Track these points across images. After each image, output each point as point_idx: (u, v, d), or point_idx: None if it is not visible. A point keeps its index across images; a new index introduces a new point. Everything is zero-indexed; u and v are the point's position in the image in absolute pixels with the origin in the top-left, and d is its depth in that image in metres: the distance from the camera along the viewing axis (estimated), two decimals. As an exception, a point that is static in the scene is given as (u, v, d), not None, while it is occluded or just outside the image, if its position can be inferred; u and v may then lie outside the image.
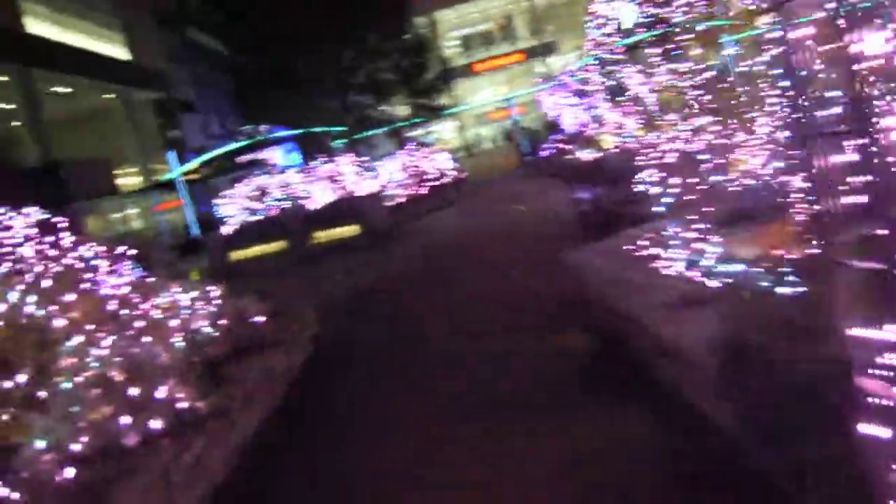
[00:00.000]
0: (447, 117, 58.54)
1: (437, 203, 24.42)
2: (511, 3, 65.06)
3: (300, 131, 29.96)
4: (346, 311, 11.76)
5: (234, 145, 33.92)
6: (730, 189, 7.23)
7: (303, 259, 21.10)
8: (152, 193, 37.81)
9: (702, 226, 7.14)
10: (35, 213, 10.01)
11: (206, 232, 29.92)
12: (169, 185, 35.63)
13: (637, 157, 13.64)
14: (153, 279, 9.25)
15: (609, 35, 20.93)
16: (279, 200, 26.70)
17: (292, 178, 26.83)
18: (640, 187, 12.19)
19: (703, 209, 7.20)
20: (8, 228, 9.40)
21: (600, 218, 12.62)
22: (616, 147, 20.98)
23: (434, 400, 6.93)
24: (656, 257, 7.60)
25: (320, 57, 26.32)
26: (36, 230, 9.51)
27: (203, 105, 59.52)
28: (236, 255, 26.24)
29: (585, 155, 21.92)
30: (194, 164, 34.87)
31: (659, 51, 17.26)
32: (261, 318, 9.27)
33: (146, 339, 7.35)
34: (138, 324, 7.72)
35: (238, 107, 37.26)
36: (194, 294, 8.93)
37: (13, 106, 40.80)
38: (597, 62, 21.75)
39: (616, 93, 21.06)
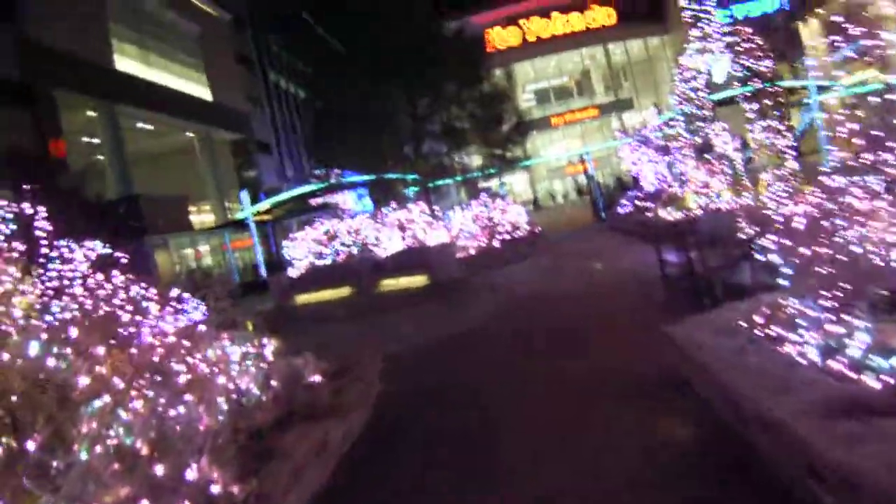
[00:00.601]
0: (521, 169, 57.84)
1: (509, 257, 23.27)
2: (588, 58, 64.43)
3: (372, 177, 29.33)
4: (411, 372, 10.62)
5: (306, 188, 33.56)
6: (877, 261, 5.90)
7: (368, 308, 20.10)
8: (224, 231, 37.52)
9: (842, 304, 5.83)
10: (97, 247, 9.28)
11: (274, 273, 29.28)
12: (241, 224, 35.28)
13: (738, 219, 12.45)
14: (203, 327, 8.25)
15: (697, 89, 19.78)
16: (347, 246, 25.91)
17: (362, 224, 26.03)
18: (746, 252, 11.03)
19: (844, 284, 5.87)
20: (69, 261, 8.67)
21: (692, 284, 11.35)
22: (709, 207, 19.74)
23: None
24: (781, 339, 6.30)
25: (396, 103, 25.61)
26: (90, 265, 8.78)
27: (279, 147, 60.08)
28: (301, 298, 25.46)
29: (668, 214, 20.66)
30: (266, 204, 34.54)
31: (755, 106, 16.14)
32: (317, 378, 8.25)
33: (185, 399, 6.36)
34: (178, 381, 6.75)
35: (312, 150, 36.95)
36: (246, 348, 7.93)
37: (98, 140, 41.50)
38: (682, 117, 20.60)
39: (703, 150, 19.85)
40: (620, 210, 26.84)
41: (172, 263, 32.02)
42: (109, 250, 10.03)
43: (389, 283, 23.52)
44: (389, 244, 25.44)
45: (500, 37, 60.33)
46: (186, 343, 7.68)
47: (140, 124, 44.51)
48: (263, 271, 31.67)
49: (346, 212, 30.85)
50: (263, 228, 38.02)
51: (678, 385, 7.11)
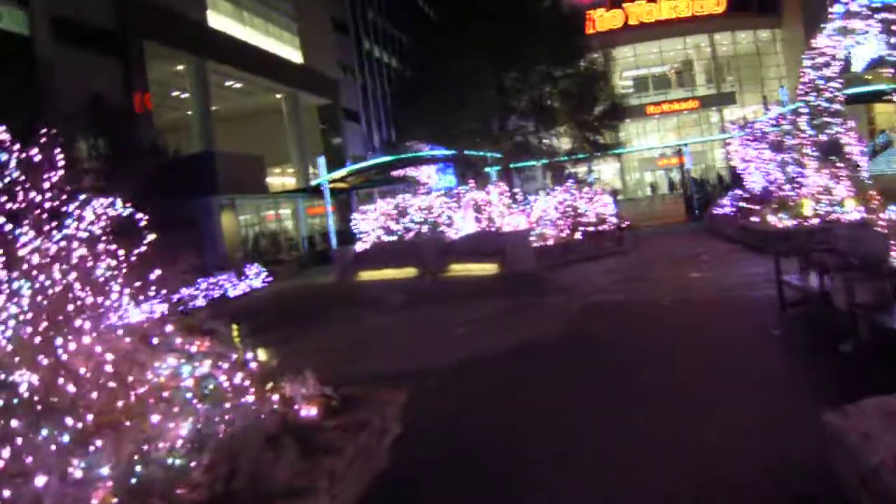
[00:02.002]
0: (611, 157, 54.47)
1: (591, 252, 20.50)
2: (692, 47, 60.27)
3: (453, 152, 26.84)
4: (445, 405, 8.11)
5: (385, 158, 31.28)
6: None
7: (428, 296, 17.68)
8: (298, 197, 35.59)
9: None
10: (116, 205, 7.17)
11: (344, 244, 27.21)
12: (318, 191, 33.25)
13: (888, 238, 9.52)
14: (167, 328, 5.92)
15: (829, 79, 16.56)
16: (417, 223, 23.57)
17: (435, 201, 23.63)
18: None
19: None
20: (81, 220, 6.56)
21: (827, 321, 8.54)
22: (830, 217, 16.57)
23: None
24: None
25: (485, 75, 22.97)
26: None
27: (368, 116, 58.09)
28: (365, 275, 23.38)
29: (778, 220, 17.57)
30: (343, 172, 32.42)
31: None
32: (311, 412, 5.84)
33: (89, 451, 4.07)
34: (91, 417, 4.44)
35: (397, 120, 34.60)
36: (207, 367, 5.54)
37: (185, 95, 40.21)
38: (806, 110, 17.39)
39: (829, 150, 16.65)
40: (718, 210, 23.67)
41: (239, 225, 30.20)
42: (130, 209, 7.84)
43: (457, 269, 21.19)
44: (463, 225, 23.02)
45: (602, 18, 56.76)
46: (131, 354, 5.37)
47: (228, 82, 43.20)
48: (334, 242, 29.56)
49: (426, 186, 28.51)
50: (341, 197, 36.01)
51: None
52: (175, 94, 41.69)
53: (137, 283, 7.22)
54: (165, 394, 5.05)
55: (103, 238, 7.46)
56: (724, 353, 8.66)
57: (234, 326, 7.07)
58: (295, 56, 48.45)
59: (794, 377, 7.41)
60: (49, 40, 27.17)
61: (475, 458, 6.02)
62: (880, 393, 5.56)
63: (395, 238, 24.09)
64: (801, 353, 8.33)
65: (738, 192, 23.35)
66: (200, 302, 22.31)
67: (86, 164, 25.40)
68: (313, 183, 34.78)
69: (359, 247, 24.67)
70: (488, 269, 20.30)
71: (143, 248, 7.81)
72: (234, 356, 5.92)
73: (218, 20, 40.55)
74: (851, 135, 17.39)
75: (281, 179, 50.87)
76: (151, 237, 8.09)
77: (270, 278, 25.87)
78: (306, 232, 35.30)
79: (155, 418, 4.71)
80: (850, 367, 7.37)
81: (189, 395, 5.13)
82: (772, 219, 17.85)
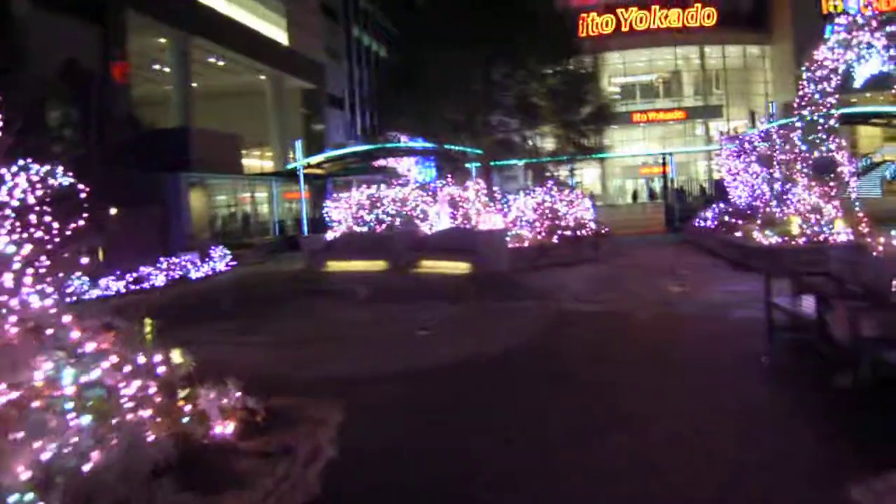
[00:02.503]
0: (593, 162, 53.68)
1: (567, 257, 19.55)
2: (681, 58, 59.61)
3: (433, 146, 25.82)
4: (402, 414, 7.19)
5: (363, 146, 30.22)
6: None
7: (396, 292, 16.71)
8: (273, 180, 34.41)
9: None
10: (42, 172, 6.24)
11: (317, 231, 26.15)
12: (292, 175, 32.11)
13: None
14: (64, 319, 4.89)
15: (827, 94, 15.72)
16: (391, 216, 22.56)
17: (410, 194, 22.64)
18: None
19: None
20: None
21: (823, 352, 7.67)
22: (817, 237, 15.75)
23: None
24: None
25: (471, 67, 21.93)
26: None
27: (352, 104, 56.93)
28: (333, 265, 22.31)
29: (763, 237, 16.75)
30: (319, 157, 31.32)
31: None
32: (228, 430, 4.85)
33: None
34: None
35: (377, 108, 33.38)
36: (113, 368, 4.52)
37: (168, 69, 38.92)
38: (799, 125, 16.55)
39: (820, 168, 15.83)
40: (699, 222, 22.84)
41: (208, 205, 29.00)
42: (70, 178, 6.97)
43: (428, 265, 20.19)
44: (437, 221, 22.04)
45: (594, 22, 55.91)
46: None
47: (212, 59, 41.97)
48: (305, 229, 28.49)
49: (405, 178, 27.51)
50: (317, 183, 34.88)
51: None
52: (157, 67, 40.42)
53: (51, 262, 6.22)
54: (37, 403, 4.04)
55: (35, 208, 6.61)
56: (708, 380, 7.74)
57: (148, 322, 6.02)
58: (281, 37, 47.30)
59: (788, 414, 6.50)
60: (25, 1, 25.91)
61: (417, 490, 5.05)
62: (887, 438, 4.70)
63: (366, 229, 23.05)
64: (792, 386, 7.43)
65: (721, 205, 22.56)
66: (160, 282, 21.23)
67: (60, 132, 24.32)
68: (289, 167, 33.67)
69: (329, 235, 23.61)
70: (460, 267, 19.32)
71: (80, 223, 6.93)
72: (141, 359, 4.90)
73: (205, -6, 39.35)
74: (843, 154, 16.66)
75: (260, 162, 49.72)
76: (86, 212, 7.24)
77: (235, 262, 24.78)
78: (279, 217, 34.11)
79: (15, 434, 3.71)
80: (849, 405, 6.50)
81: (69, 405, 4.12)
82: (756, 235, 17.04)
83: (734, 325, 10.51)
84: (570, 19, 35.67)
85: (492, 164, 26.14)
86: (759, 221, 18.22)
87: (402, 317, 13.12)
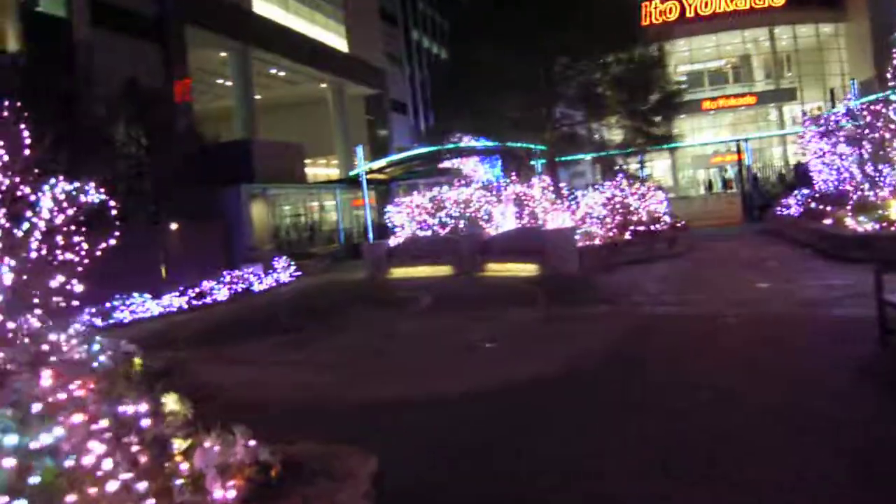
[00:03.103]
0: (662, 154, 51.66)
1: (641, 254, 18.25)
2: (750, 41, 57.04)
3: (496, 144, 24.71)
4: (454, 448, 6.16)
5: (424, 149, 29.30)
6: None
7: (459, 299, 15.73)
8: (337, 188, 33.79)
9: None
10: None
11: (383, 238, 25.34)
12: (355, 182, 31.42)
13: None
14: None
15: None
16: (454, 217, 21.59)
17: (474, 195, 21.63)
18: None
19: None
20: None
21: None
22: None
23: None
24: None
25: (532, 58, 20.77)
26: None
27: (415, 107, 56.16)
28: (397, 272, 21.50)
29: (857, 224, 15.17)
30: (382, 162, 30.54)
31: None
32: (230, 495, 3.86)
33: None
34: None
35: (438, 109, 32.37)
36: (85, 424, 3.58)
37: (228, 83, 38.82)
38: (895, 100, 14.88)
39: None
40: (781, 211, 21.18)
41: (271, 216, 28.50)
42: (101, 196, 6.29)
43: (494, 268, 19.17)
44: (503, 221, 20.98)
45: (658, 10, 53.91)
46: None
47: (272, 70, 41.72)
48: (371, 235, 27.73)
49: (470, 179, 26.48)
50: (381, 189, 34.16)
51: None
52: (220, 81, 40.39)
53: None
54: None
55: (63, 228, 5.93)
56: (814, 402, 6.41)
57: (136, 362, 5.13)
58: (341, 45, 46.82)
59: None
60: (87, 23, 25.90)
61: None
62: None
63: (430, 233, 22.13)
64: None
65: (804, 191, 20.88)
66: (223, 295, 20.72)
67: (124, 150, 24.09)
68: (351, 174, 33.00)
69: (392, 241, 22.77)
70: (528, 269, 18.22)
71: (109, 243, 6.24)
72: (125, 408, 3.97)
73: (262, 6, 39.07)
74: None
75: (326, 171, 49.35)
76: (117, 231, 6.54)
77: (299, 272, 24.14)
78: (344, 224, 33.47)
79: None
80: None
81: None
82: (849, 222, 15.45)
83: (837, 327, 9.15)
84: (632, 6, 34.04)
85: (557, 159, 24.91)
86: (849, 207, 16.56)
87: (463, 327, 12.09)
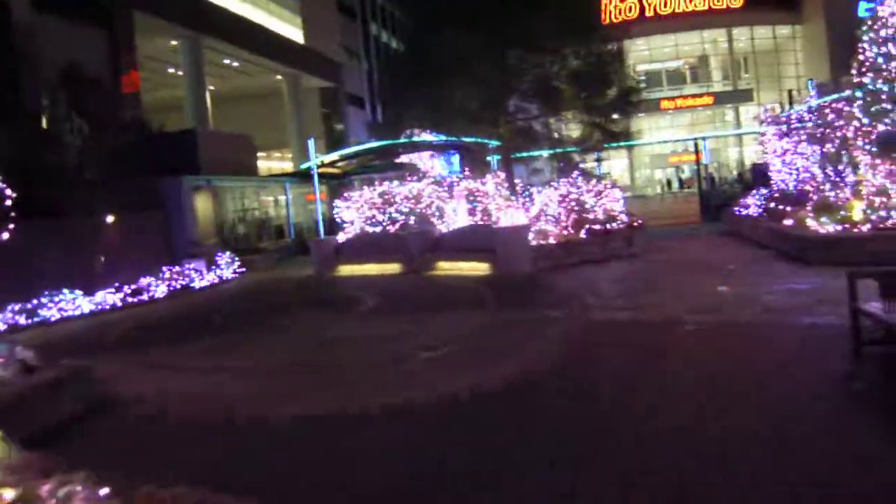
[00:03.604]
0: (620, 152, 51.19)
1: (597, 254, 17.39)
2: (708, 42, 56.81)
3: (451, 139, 23.69)
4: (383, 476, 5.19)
5: (377, 143, 28.18)
6: None
7: (407, 298, 14.76)
8: (287, 182, 32.48)
9: None
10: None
11: (334, 233, 24.20)
12: (308, 176, 30.19)
13: None
14: None
15: (892, 57, 13.33)
16: (404, 214, 20.57)
17: (425, 190, 20.64)
18: None
19: None
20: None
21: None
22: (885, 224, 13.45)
23: None
24: None
25: (488, 47, 19.74)
26: None
27: (373, 102, 54.88)
28: (345, 269, 20.44)
29: (819, 225, 14.46)
30: (334, 156, 29.36)
31: None
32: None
33: None
34: None
35: (388, 101, 31.08)
36: None
37: (179, 73, 37.28)
38: (860, 97, 14.17)
39: (890, 143, 13.48)
40: (740, 211, 20.48)
41: (217, 210, 27.15)
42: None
43: (445, 267, 18.20)
44: (454, 218, 20.00)
45: (618, 8, 53.34)
46: None
47: (226, 60, 40.22)
48: (321, 231, 26.56)
49: (426, 174, 25.42)
50: (333, 184, 32.95)
51: None
52: (171, 70, 38.80)
53: None
54: None
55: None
56: (789, 430, 5.53)
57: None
58: (296, 36, 45.52)
59: None
60: (27, 6, 24.33)
61: None
62: None
63: (379, 229, 21.07)
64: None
65: (763, 191, 20.22)
66: (161, 292, 19.45)
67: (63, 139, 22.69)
68: (302, 167, 31.77)
69: (341, 238, 21.68)
70: (479, 268, 17.26)
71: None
72: None
73: (215, -7, 37.60)
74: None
75: (281, 164, 48.00)
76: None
77: (244, 269, 22.90)
78: (297, 219, 32.18)
79: None
80: None
81: None
82: (811, 223, 14.72)
83: (805, 337, 8.31)
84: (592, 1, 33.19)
85: (514, 156, 23.96)
86: (810, 208, 15.86)
87: (405, 332, 11.07)
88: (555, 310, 11.78)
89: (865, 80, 13.45)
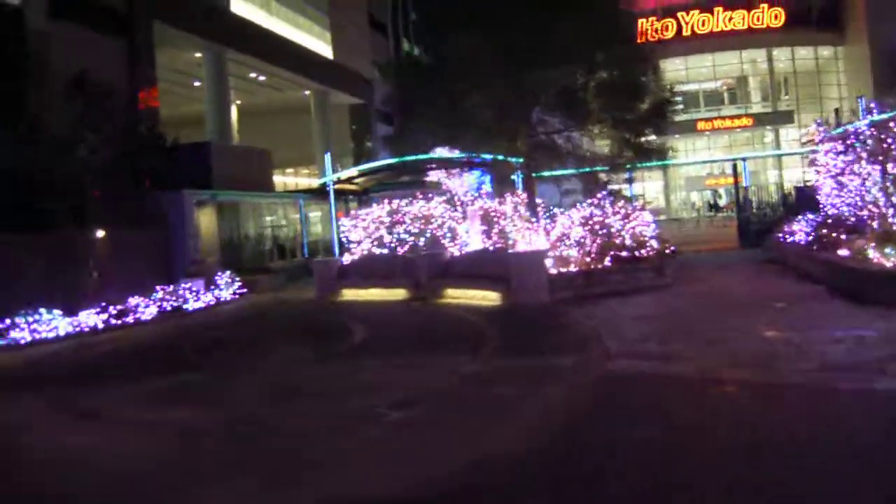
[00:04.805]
0: (655, 173, 48.66)
1: (622, 284, 15.08)
2: (747, 62, 54.14)
3: (469, 155, 21.55)
4: None
5: (394, 160, 26.16)
6: None
7: (401, 332, 12.67)
8: (301, 199, 30.59)
9: None
10: None
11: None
12: (324, 193, 28.27)
13: None
14: None
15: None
16: (412, 235, 18.53)
17: (436, 210, 18.59)
18: None
19: None
20: None
21: None
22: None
23: None
24: None
25: (501, 56, 17.62)
26: None
27: (401, 118, 52.97)
28: (348, 293, 18.44)
29: (881, 256, 12.07)
30: (352, 171, 27.37)
31: None
32: None
33: None
34: None
35: (405, 118, 29.09)
36: None
37: (200, 84, 35.81)
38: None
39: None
40: (784, 237, 17.99)
41: (223, 226, 25.27)
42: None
43: (453, 294, 16.06)
44: (468, 239, 17.89)
45: (654, 27, 50.92)
46: None
47: (253, 74, 38.68)
48: (336, 250, 24.61)
49: (453, 193, 23.35)
50: (351, 200, 31.01)
51: None
52: (197, 84, 37.32)
53: None
54: None
55: None
56: None
57: None
58: (325, 51, 43.87)
59: None
60: (43, 13, 22.96)
61: None
62: None
63: (387, 251, 19.03)
64: None
65: (809, 215, 17.73)
66: (150, 314, 17.64)
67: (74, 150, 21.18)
68: (317, 183, 29.90)
69: (346, 259, 19.68)
70: (490, 298, 15.08)
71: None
72: None
73: (241, 6, 36.09)
74: None
75: (308, 180, 46.37)
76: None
77: (245, 290, 20.99)
78: (310, 238, 30.24)
79: None
80: None
81: None
82: (872, 254, 12.31)
83: (886, 409, 6.02)
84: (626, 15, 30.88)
85: (537, 174, 21.75)
86: (867, 237, 13.41)
87: (384, 380, 9.01)
88: (566, 355, 9.55)
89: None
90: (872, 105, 15.19)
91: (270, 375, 10.15)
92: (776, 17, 51.16)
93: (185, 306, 18.74)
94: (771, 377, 7.56)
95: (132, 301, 17.63)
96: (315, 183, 42.46)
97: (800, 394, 6.89)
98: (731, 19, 51.41)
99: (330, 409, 7.90)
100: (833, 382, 7.13)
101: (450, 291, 16.21)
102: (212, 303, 19.53)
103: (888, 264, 11.73)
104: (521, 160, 19.04)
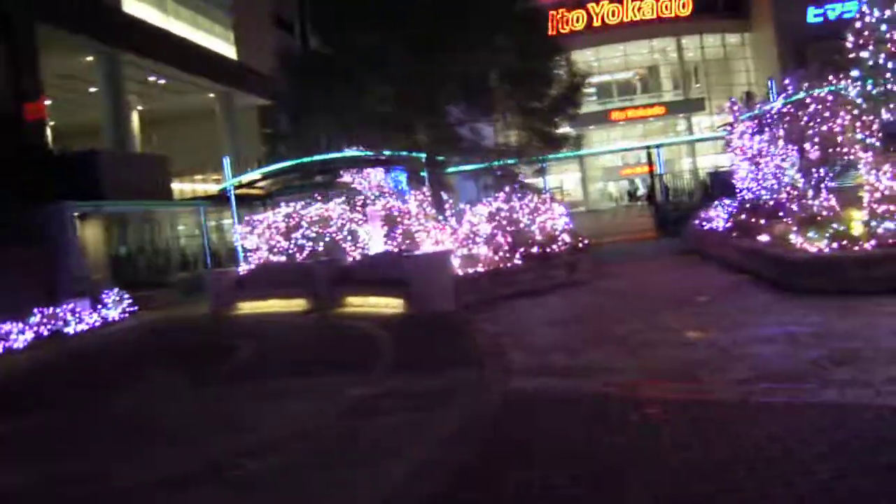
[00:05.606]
0: (571, 165, 47.91)
1: (533, 283, 13.79)
2: (657, 51, 53.98)
3: (368, 153, 19.97)
4: None
5: (296, 161, 24.37)
6: None
7: (290, 350, 11.07)
8: (201, 206, 28.50)
9: None
10: None
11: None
12: (226, 199, 26.25)
13: None
14: None
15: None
16: (311, 240, 16.91)
17: (334, 211, 17.02)
18: None
19: None
20: None
21: None
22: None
23: None
24: None
25: (396, 46, 16.07)
26: None
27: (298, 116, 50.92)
28: (245, 306, 16.71)
29: (806, 241, 11.07)
30: (255, 174, 25.45)
31: None
32: None
33: None
34: None
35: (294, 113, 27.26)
36: None
37: (95, 90, 33.22)
38: (856, 78, 10.75)
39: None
40: (702, 224, 17.00)
41: (111, 240, 23.12)
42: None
43: (355, 303, 14.52)
44: (370, 243, 16.36)
45: (565, 18, 50.08)
46: None
47: (152, 78, 36.18)
48: (241, 259, 22.75)
49: (362, 194, 21.73)
50: (257, 206, 29.03)
51: None
52: (93, 90, 34.63)
53: None
54: None
55: None
56: None
57: None
58: (229, 52, 41.63)
59: None
60: None
61: None
62: None
63: (284, 258, 17.36)
64: None
65: (728, 201, 16.78)
66: (24, 341, 15.64)
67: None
68: (217, 188, 27.89)
69: (242, 269, 17.92)
70: (393, 305, 13.60)
71: None
72: None
73: (134, 6, 33.65)
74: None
75: (217, 187, 43.98)
76: None
77: (136, 307, 19.02)
78: (211, 248, 28.18)
79: None
80: None
81: None
82: (795, 239, 11.29)
83: (834, 431, 4.77)
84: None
85: (445, 170, 20.32)
86: (788, 221, 12.41)
87: (255, 413, 7.44)
88: (466, 370, 8.15)
89: (864, 54, 10.05)
90: (787, 83, 14.22)
91: (130, 412, 8.48)
92: (684, 5, 50.97)
93: (65, 329, 16.79)
94: (698, 393, 6.27)
95: (4, 327, 15.60)
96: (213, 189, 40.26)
97: (732, 414, 5.59)
98: (639, 9, 50.99)
99: (179, 457, 6.31)
100: (769, 396, 5.87)
101: (351, 300, 14.67)
102: (97, 324, 17.57)
103: (812, 249, 10.71)
104: (424, 155, 17.57)
